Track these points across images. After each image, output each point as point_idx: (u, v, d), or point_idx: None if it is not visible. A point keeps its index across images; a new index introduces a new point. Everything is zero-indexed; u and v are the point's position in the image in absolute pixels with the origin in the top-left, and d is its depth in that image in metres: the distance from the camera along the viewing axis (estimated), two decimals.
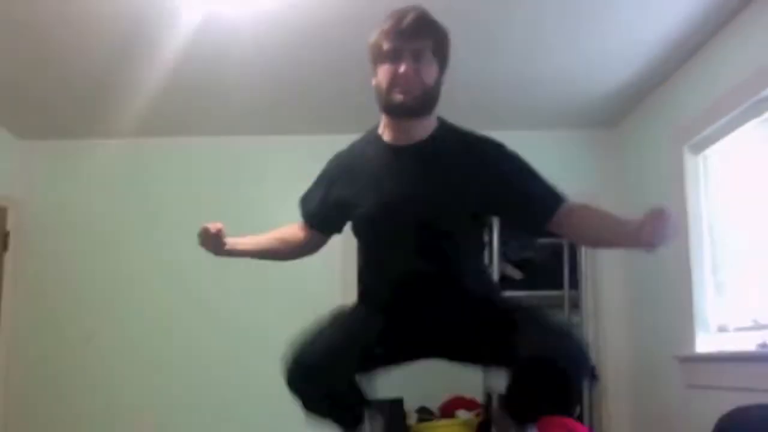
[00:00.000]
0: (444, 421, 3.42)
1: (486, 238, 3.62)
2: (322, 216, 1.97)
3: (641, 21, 2.83)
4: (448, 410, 3.51)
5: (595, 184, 3.86)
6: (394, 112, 1.77)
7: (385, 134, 1.83)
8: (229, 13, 2.71)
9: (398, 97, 1.73)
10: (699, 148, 3.14)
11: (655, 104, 3.56)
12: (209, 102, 3.61)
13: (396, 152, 1.81)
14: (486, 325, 1.76)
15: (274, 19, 2.76)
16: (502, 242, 3.86)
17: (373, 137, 1.87)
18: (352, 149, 1.94)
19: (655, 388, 3.47)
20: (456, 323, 1.78)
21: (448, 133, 1.83)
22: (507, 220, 1.86)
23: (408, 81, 1.71)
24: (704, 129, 3.01)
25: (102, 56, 3.06)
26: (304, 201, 2.01)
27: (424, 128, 1.80)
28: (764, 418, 2.13)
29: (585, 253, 3.88)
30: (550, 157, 3.35)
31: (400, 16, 1.73)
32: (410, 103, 1.74)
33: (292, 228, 2.04)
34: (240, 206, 3.89)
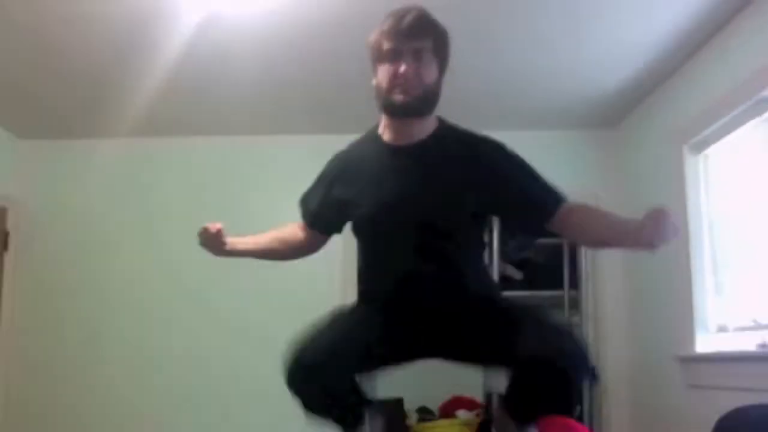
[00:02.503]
0: (444, 421, 3.41)
1: (486, 239, 3.63)
2: (322, 216, 1.97)
3: (641, 21, 2.83)
4: (448, 410, 3.50)
5: (595, 184, 3.90)
6: (395, 112, 1.78)
7: (385, 134, 1.84)
8: (229, 13, 2.71)
9: (399, 96, 1.73)
10: (699, 147, 3.14)
11: (656, 104, 3.57)
12: (209, 102, 3.61)
13: (396, 152, 1.82)
14: (486, 325, 1.76)
15: (274, 19, 2.77)
16: (502, 242, 3.85)
17: (373, 137, 1.88)
18: (352, 149, 1.94)
19: (655, 388, 3.47)
20: (456, 323, 1.78)
21: (447, 132, 1.83)
22: (507, 220, 1.85)
23: (408, 80, 1.71)
24: (704, 129, 3.01)
25: (102, 56, 3.06)
26: (304, 201, 2.02)
27: (424, 128, 1.81)
28: (763, 418, 2.13)
29: (585, 253, 3.88)
30: (551, 157, 3.40)
31: (399, 15, 1.74)
32: (411, 102, 1.74)
33: (292, 228, 2.04)
34: (240, 206, 3.91)
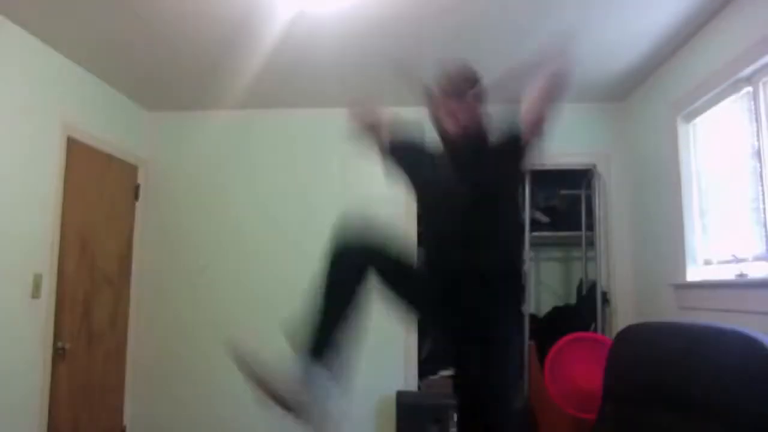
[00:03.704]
0: None
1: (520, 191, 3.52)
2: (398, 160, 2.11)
3: (644, 15, 2.99)
4: None
5: (606, 147, 4.13)
6: (443, 141, 1.95)
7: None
8: (315, 9, 2.93)
9: (450, 127, 1.90)
10: (690, 118, 3.34)
11: (657, 82, 3.70)
12: (300, 80, 3.79)
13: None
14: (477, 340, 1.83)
15: (352, 14, 2.96)
16: (532, 193, 4.08)
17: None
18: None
19: (653, 309, 3.67)
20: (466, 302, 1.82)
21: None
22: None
23: (455, 114, 1.88)
24: (694, 103, 3.20)
25: (213, 45, 3.29)
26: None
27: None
28: (646, 334, 2.39)
29: (599, 201, 4.08)
30: (571, 125, 3.79)
31: (449, 67, 1.93)
32: (455, 136, 1.91)
33: None
34: (325, 167, 4.22)
